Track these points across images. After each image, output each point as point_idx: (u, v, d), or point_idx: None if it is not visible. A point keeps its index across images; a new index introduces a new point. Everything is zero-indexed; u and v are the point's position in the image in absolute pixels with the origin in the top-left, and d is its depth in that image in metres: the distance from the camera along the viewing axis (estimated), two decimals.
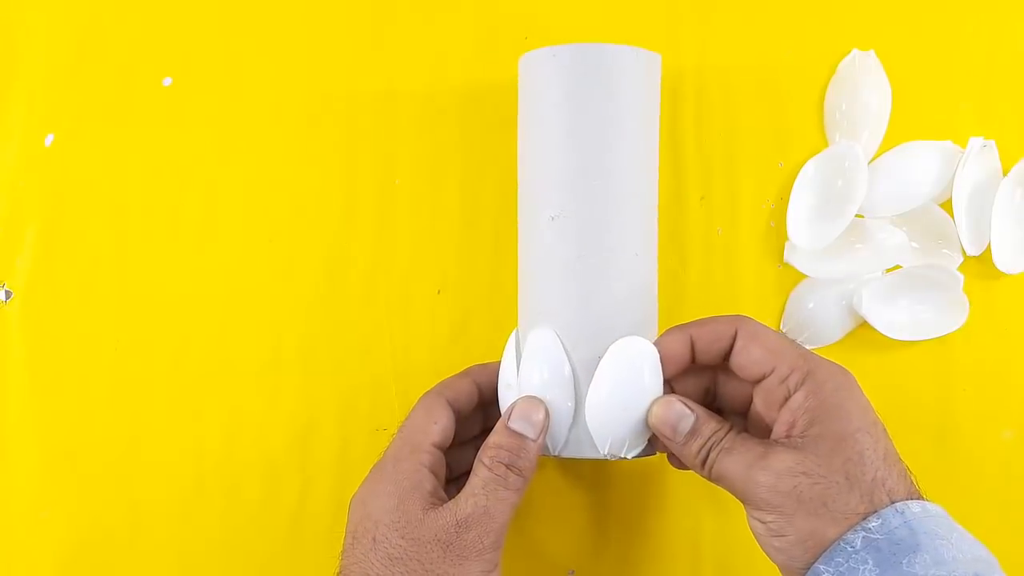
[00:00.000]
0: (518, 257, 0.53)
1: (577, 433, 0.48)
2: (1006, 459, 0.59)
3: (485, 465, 0.45)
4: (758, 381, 0.45)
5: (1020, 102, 0.62)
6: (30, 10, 0.64)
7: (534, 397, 0.47)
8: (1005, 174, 0.59)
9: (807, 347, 0.47)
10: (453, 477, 0.51)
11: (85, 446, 0.60)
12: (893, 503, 0.39)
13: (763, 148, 0.62)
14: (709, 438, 0.44)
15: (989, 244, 0.59)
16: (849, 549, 0.38)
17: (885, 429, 0.43)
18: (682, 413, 0.45)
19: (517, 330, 0.52)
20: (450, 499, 0.46)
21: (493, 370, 0.52)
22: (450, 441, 0.49)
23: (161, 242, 0.62)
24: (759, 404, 0.46)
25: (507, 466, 0.45)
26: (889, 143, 0.61)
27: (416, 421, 0.48)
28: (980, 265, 0.60)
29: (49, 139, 0.63)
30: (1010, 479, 0.59)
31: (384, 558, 0.43)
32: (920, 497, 0.41)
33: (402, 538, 0.43)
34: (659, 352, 0.47)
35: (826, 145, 0.62)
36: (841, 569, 0.38)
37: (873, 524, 0.38)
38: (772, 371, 0.43)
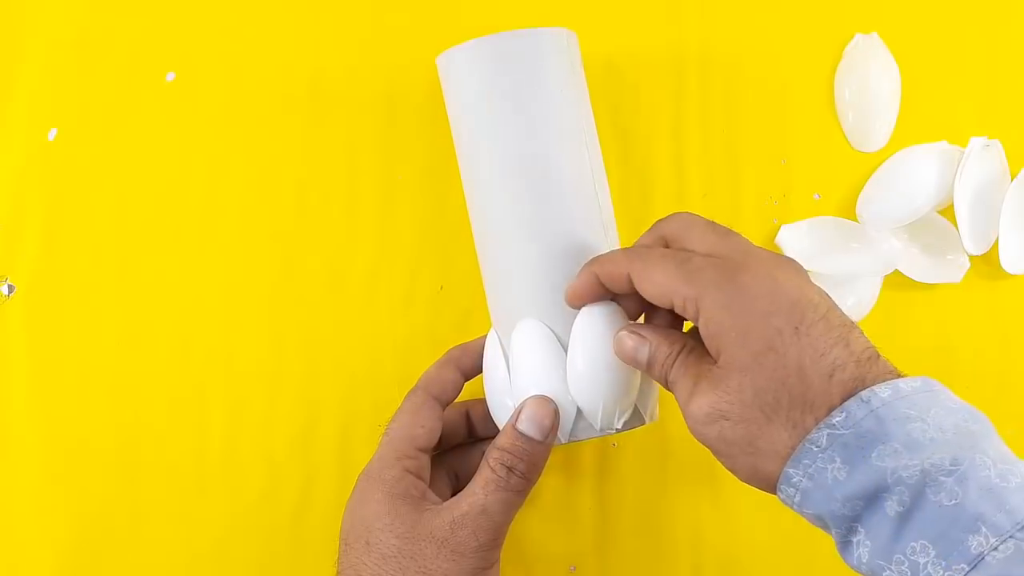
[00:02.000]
0: (478, 256, 0.53)
1: (573, 417, 0.48)
2: None
3: (489, 466, 0.45)
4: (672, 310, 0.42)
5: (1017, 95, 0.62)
6: (33, 5, 0.64)
7: (544, 398, 0.46)
8: (1012, 170, 0.59)
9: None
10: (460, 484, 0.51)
11: (87, 442, 0.60)
12: (857, 392, 0.36)
13: (766, 145, 0.62)
14: (663, 363, 0.43)
15: (993, 244, 0.59)
16: (815, 449, 0.36)
17: (814, 313, 0.39)
18: (637, 345, 0.44)
19: (493, 331, 0.51)
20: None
21: (475, 350, 0.52)
22: (436, 441, 0.49)
23: (164, 237, 0.62)
24: None
25: (509, 468, 0.45)
26: (901, 128, 0.62)
27: (402, 424, 0.48)
28: (984, 265, 0.60)
29: (52, 133, 0.63)
30: None
31: (378, 558, 0.44)
32: (894, 375, 0.38)
33: (396, 538, 0.44)
34: (576, 293, 0.46)
35: (827, 143, 0.62)
36: (810, 471, 0.36)
37: (837, 419, 0.36)
38: (671, 305, 0.41)
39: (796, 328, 0.38)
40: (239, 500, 0.59)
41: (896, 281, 0.60)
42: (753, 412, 0.37)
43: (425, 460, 0.48)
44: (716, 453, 0.40)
